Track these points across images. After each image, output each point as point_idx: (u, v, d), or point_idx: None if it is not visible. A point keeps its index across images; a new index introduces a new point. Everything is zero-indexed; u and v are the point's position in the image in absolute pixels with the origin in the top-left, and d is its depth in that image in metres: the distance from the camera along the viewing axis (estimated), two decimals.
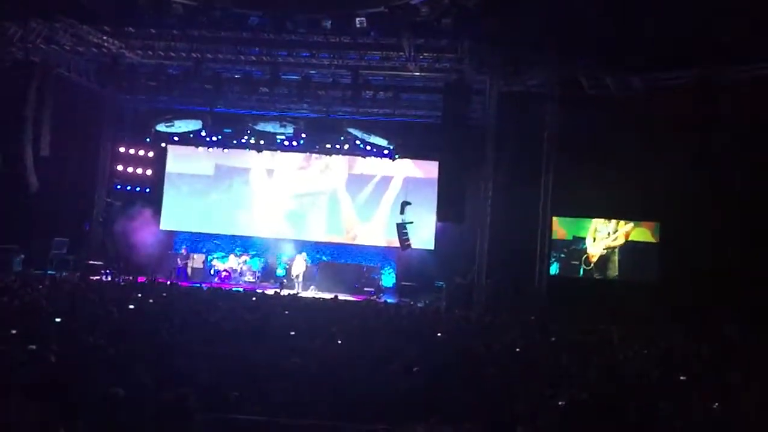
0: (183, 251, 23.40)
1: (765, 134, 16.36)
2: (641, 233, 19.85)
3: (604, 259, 19.90)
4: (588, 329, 12.20)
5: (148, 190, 24.28)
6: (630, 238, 19.86)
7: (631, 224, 19.80)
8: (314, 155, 23.85)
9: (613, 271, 19.86)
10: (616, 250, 19.87)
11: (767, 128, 16.30)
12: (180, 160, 24.57)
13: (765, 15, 14.48)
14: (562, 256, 20.10)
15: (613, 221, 19.92)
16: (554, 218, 19.89)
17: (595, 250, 19.96)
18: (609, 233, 19.93)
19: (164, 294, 13.93)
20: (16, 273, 17.31)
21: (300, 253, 22.64)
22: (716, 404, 6.08)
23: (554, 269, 20.02)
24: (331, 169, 24.02)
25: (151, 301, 12.37)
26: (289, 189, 24.23)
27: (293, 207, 24.14)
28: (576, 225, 20.25)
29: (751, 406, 6.01)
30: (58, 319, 8.64)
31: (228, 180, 24.51)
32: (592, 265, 19.95)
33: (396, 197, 22.67)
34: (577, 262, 20.03)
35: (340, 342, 8.54)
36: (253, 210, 24.28)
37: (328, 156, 23.54)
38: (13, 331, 7.36)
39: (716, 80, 16.93)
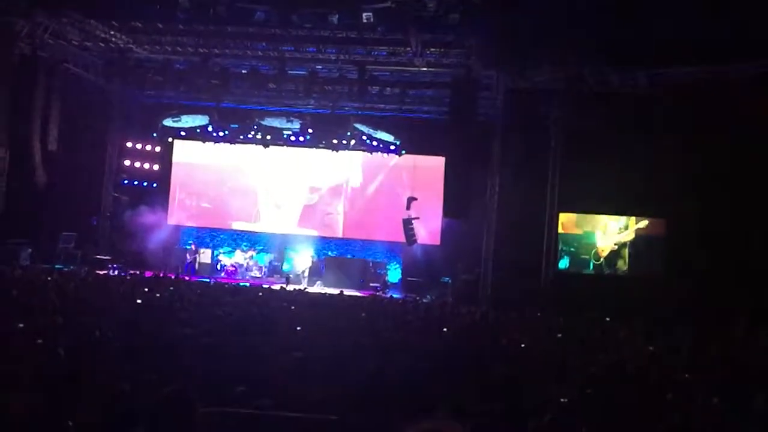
0: (192, 246, 23.45)
1: None
2: (652, 227, 19.71)
3: (614, 254, 19.77)
4: (594, 324, 12.21)
5: (155, 184, 24.35)
6: (640, 232, 19.74)
7: (646, 221, 19.65)
8: (321, 150, 23.82)
9: (623, 265, 19.74)
10: (627, 244, 19.74)
11: None
12: (187, 155, 24.64)
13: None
14: (572, 250, 19.99)
15: (625, 217, 19.81)
16: (566, 213, 19.82)
17: (605, 243, 19.82)
18: (620, 228, 19.80)
19: (171, 288, 13.98)
20: (23, 267, 17.34)
21: (306, 248, 22.64)
22: (716, 399, 6.07)
23: (564, 263, 19.93)
24: (338, 164, 24.00)
25: (158, 295, 12.40)
26: (296, 184, 24.25)
27: (300, 202, 24.17)
28: (587, 219, 20.16)
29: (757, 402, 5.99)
30: (65, 313, 8.66)
31: (235, 175, 24.54)
32: (601, 259, 19.84)
33: (404, 192, 22.61)
34: (587, 257, 19.94)
35: (345, 337, 8.55)
36: (260, 205, 24.32)
37: (334, 151, 23.50)
38: (21, 325, 7.38)
39: (722, 77, 16.86)
